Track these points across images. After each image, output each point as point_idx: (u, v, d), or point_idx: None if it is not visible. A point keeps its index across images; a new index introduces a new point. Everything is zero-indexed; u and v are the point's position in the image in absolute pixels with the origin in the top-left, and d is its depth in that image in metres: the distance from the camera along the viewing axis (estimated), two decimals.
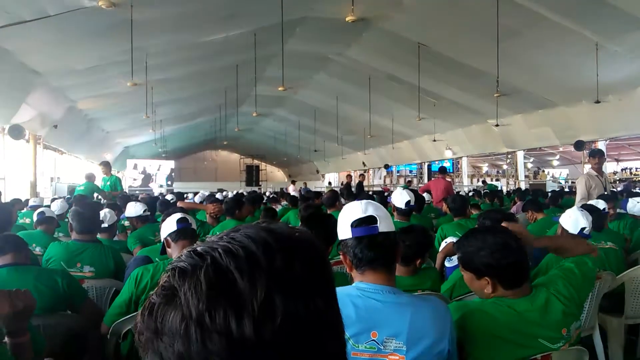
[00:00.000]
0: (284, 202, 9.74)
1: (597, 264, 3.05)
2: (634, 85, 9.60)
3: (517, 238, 1.73)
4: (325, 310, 0.53)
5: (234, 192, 12.95)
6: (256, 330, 0.47)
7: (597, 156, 5.78)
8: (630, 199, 4.82)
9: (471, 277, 1.73)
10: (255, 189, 24.61)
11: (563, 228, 3.01)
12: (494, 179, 28.32)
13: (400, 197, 4.01)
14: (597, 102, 9.49)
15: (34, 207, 6.03)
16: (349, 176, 16.22)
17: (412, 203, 4.04)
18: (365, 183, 17.80)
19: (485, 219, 3.23)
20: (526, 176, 20.74)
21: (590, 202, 4.52)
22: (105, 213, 4.02)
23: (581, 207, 3.65)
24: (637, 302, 3.27)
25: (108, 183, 8.66)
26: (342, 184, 26.29)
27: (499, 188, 14.09)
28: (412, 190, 5.06)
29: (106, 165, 8.83)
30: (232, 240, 0.52)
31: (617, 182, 17.07)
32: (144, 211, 4.71)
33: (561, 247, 1.94)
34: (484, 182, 19.54)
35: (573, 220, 2.94)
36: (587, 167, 15.03)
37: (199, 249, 0.53)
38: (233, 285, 0.48)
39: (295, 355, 0.50)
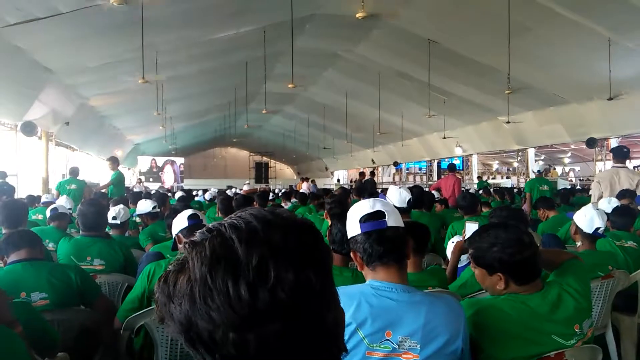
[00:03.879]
0: (294, 200, 9.75)
1: (605, 256, 3.05)
2: None
3: (529, 233, 1.72)
4: (316, 282, 0.58)
5: (241, 189, 13.00)
6: (250, 291, 0.53)
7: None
8: None
9: (483, 273, 1.73)
10: (264, 186, 24.67)
11: (577, 226, 2.99)
12: (504, 177, 28.16)
13: (399, 196, 3.92)
14: (610, 99, 9.38)
15: (47, 204, 6.08)
16: (362, 173, 16.14)
17: (411, 201, 4.02)
18: (375, 180, 17.76)
19: (493, 217, 3.21)
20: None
21: (604, 199, 4.48)
22: (119, 210, 4.04)
23: (615, 207, 3.70)
24: None
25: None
26: (351, 181, 26.29)
27: (486, 186, 13.94)
28: (419, 187, 5.04)
29: (113, 162, 8.87)
30: (238, 217, 0.60)
31: None
32: (153, 208, 4.74)
33: (545, 262, 1.85)
34: (478, 177, 19.32)
35: (588, 219, 2.92)
36: (600, 165, 14.90)
37: (211, 225, 0.60)
38: (232, 252, 0.55)
39: (287, 317, 0.55)
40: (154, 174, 23.93)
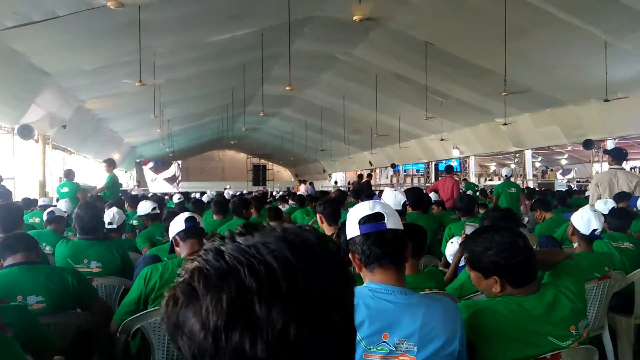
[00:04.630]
0: (291, 202, 9.76)
1: (602, 257, 3.06)
2: None
3: (524, 237, 1.72)
4: (341, 331, 0.56)
5: (238, 192, 12.99)
6: (269, 352, 0.50)
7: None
8: None
9: (478, 276, 1.73)
10: (261, 188, 24.67)
11: (574, 227, 3.00)
12: (501, 178, 28.18)
13: (394, 198, 3.91)
14: (606, 100, 9.41)
15: (43, 207, 6.07)
16: (361, 175, 16.13)
17: (407, 203, 4.03)
18: (371, 182, 17.78)
19: (486, 219, 3.21)
20: (534, 175, 20.64)
21: (600, 201, 4.49)
22: (113, 214, 4.04)
23: (612, 208, 3.72)
24: None
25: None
26: (348, 183, 26.29)
27: (478, 187, 13.90)
28: (418, 189, 5.05)
29: (110, 164, 8.84)
30: (257, 254, 0.54)
31: None
32: (153, 209, 4.74)
33: (540, 262, 1.85)
34: (464, 179, 19.28)
35: (586, 221, 2.93)
36: (597, 166, 14.93)
37: (226, 253, 0.54)
38: (251, 310, 0.50)
39: None
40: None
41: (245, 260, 0.53)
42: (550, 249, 2.10)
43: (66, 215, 5.05)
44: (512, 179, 11.04)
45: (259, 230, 0.58)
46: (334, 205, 3.54)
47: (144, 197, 8.54)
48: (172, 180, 25.50)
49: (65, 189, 8.09)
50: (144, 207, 4.79)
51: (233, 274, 0.52)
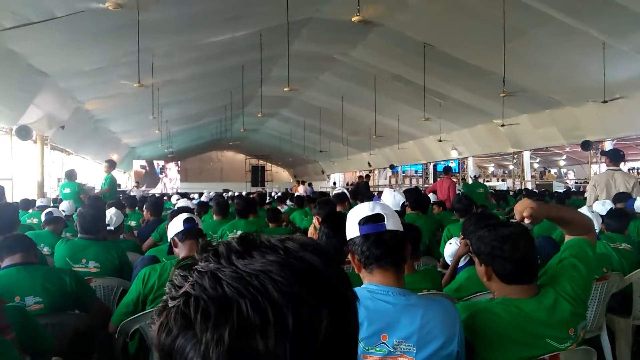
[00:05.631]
0: (290, 203, 9.76)
1: (600, 258, 3.06)
2: None
3: (531, 239, 1.71)
4: (345, 352, 0.54)
5: (237, 193, 12.99)
6: None
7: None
8: (638, 198, 4.79)
9: (477, 262, 1.74)
10: (260, 189, 24.65)
11: None
12: (499, 179, 28.23)
13: (394, 199, 3.94)
14: (604, 101, 9.43)
15: (42, 208, 6.06)
16: (361, 177, 16.10)
17: (405, 203, 4.04)
18: (370, 183, 17.79)
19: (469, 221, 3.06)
20: (532, 176, 20.67)
21: (598, 202, 4.50)
22: (111, 216, 4.02)
23: (610, 209, 3.73)
24: None
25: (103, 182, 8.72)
26: (347, 183, 26.30)
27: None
28: (417, 189, 5.06)
29: (110, 165, 8.85)
30: (259, 286, 0.50)
31: None
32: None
33: (565, 219, 1.81)
34: (463, 179, 19.27)
35: None
36: (595, 167, 14.97)
37: (224, 282, 0.50)
38: (254, 348, 0.48)
39: None
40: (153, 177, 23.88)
41: (246, 293, 0.49)
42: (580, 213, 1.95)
43: (65, 215, 5.05)
44: (511, 180, 11.06)
45: (257, 248, 0.55)
46: (330, 206, 3.54)
47: (143, 198, 8.53)
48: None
49: (68, 190, 8.09)
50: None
51: (234, 309, 0.49)
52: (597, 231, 2.96)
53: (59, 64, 8.84)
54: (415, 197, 4.91)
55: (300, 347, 0.49)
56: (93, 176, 16.07)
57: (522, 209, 1.62)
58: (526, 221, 1.63)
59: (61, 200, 7.33)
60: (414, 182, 26.89)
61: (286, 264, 0.53)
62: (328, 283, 0.54)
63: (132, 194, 11.76)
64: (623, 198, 4.92)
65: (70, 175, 8.39)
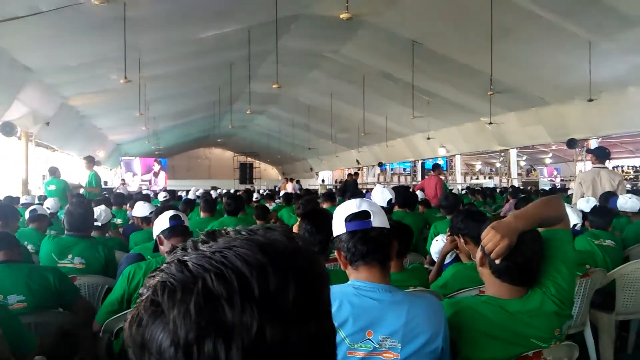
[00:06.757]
0: (278, 200, 9.74)
1: (584, 255, 3.09)
2: (626, 83, 9.66)
3: (532, 241, 1.64)
4: (317, 333, 0.53)
5: (225, 191, 12.94)
6: (246, 358, 0.47)
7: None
8: (620, 196, 4.85)
9: (481, 256, 1.67)
10: (249, 186, 24.57)
11: None
12: (487, 177, 28.47)
13: (381, 196, 3.97)
14: (590, 100, 9.54)
15: (26, 205, 5.98)
16: (350, 175, 16.11)
17: (393, 201, 4.05)
18: (359, 181, 17.81)
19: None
20: (519, 174, 20.86)
21: (582, 199, 4.55)
22: (100, 212, 4.00)
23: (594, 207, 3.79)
24: (627, 299, 3.30)
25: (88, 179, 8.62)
26: (335, 181, 26.33)
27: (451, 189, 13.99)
28: (405, 187, 5.08)
29: (90, 161, 8.72)
30: (225, 261, 0.50)
31: None
32: (150, 213, 4.60)
33: (548, 218, 1.74)
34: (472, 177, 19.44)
35: None
36: (581, 165, 15.13)
37: (189, 263, 0.51)
38: (223, 317, 0.48)
39: None
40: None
41: (210, 267, 0.50)
42: (554, 202, 1.84)
43: (50, 213, 4.99)
44: (498, 178, 11.14)
45: (223, 236, 0.55)
46: (312, 204, 3.55)
47: (130, 196, 8.46)
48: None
49: (53, 187, 7.98)
50: (143, 210, 4.61)
51: (199, 283, 0.49)
52: (579, 225, 2.99)
53: (44, 59, 8.72)
54: (403, 195, 4.93)
55: (268, 316, 0.49)
56: (78, 173, 15.89)
57: (492, 247, 1.55)
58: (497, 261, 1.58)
59: (45, 198, 7.24)
60: (402, 179, 27.01)
61: (250, 239, 0.54)
62: (293, 255, 0.54)
63: (119, 191, 11.65)
64: (610, 196, 4.98)
65: (54, 172, 8.28)
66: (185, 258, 0.52)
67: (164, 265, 0.54)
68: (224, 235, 0.56)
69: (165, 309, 0.49)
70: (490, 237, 1.56)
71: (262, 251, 0.52)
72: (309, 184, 26.27)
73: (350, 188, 10.87)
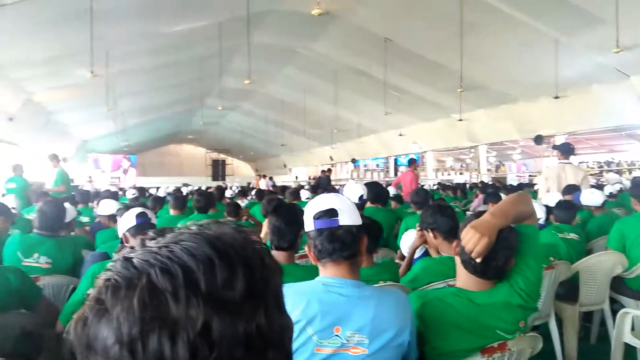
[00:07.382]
0: (250, 197, 9.68)
1: (547, 248, 3.17)
2: (591, 81, 9.91)
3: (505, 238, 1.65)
4: (267, 326, 0.52)
5: (196, 187, 12.78)
6: (192, 353, 0.46)
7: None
8: (584, 190, 4.99)
9: (457, 244, 1.70)
10: (221, 183, 24.35)
11: None
12: (457, 173, 28.92)
13: (353, 192, 3.99)
14: (556, 97, 9.77)
15: None
16: (324, 171, 16.08)
17: (364, 197, 4.07)
18: (332, 177, 17.83)
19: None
20: (488, 170, 21.26)
21: (548, 194, 4.66)
22: (67, 209, 3.90)
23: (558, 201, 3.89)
24: (590, 290, 3.40)
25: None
26: (309, 178, 26.31)
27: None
28: (377, 183, 5.12)
29: (53, 158, 8.47)
30: (171, 255, 0.50)
31: None
32: (117, 210, 4.51)
33: (522, 214, 1.74)
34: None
35: None
36: (548, 161, 15.51)
37: (135, 259, 0.50)
38: (167, 312, 0.47)
39: None
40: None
41: (156, 262, 0.49)
42: (522, 197, 1.85)
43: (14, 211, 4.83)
44: (469, 173, 11.31)
45: (171, 231, 0.55)
46: (276, 202, 3.56)
47: (97, 194, 8.27)
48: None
49: (12, 185, 7.70)
50: (110, 208, 4.51)
51: (143, 278, 0.48)
52: (543, 218, 3.07)
53: (7, 53, 8.45)
54: (374, 191, 4.95)
55: (215, 309, 0.48)
56: (43, 171, 15.45)
57: (472, 247, 1.55)
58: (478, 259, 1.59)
59: (3, 196, 6.99)
60: (375, 175, 27.18)
61: (198, 233, 0.53)
62: (242, 247, 0.54)
63: (85, 188, 11.37)
64: (572, 190, 5.11)
65: (16, 169, 7.99)
66: (132, 255, 0.51)
67: (111, 264, 0.52)
68: (173, 230, 0.55)
69: (109, 306, 0.48)
70: (470, 237, 1.57)
71: (209, 244, 0.51)
72: (283, 180, 26.19)
73: (323, 184, 10.88)
